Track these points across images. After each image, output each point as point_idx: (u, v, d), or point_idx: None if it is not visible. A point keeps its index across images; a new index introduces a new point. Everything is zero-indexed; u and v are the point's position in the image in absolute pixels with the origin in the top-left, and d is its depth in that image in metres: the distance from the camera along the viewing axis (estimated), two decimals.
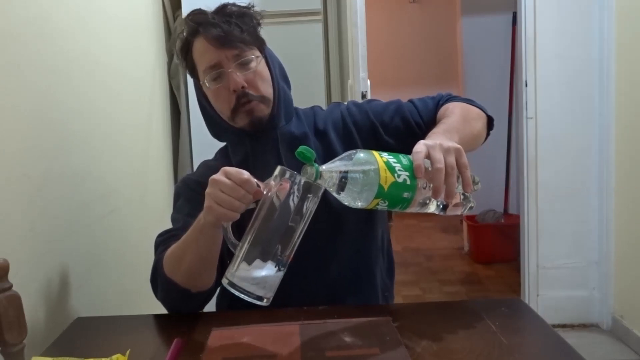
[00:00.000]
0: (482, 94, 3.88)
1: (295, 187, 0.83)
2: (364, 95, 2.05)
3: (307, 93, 2.19)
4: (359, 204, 0.84)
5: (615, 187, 2.55)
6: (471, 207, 0.93)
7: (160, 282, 1.04)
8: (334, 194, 0.85)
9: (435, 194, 0.84)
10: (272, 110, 1.11)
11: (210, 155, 1.25)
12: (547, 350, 0.87)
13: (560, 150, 2.65)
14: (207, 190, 0.89)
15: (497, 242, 3.62)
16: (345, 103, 1.23)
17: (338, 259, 1.13)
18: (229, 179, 0.87)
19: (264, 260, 0.84)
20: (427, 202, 0.88)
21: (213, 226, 0.92)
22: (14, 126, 1.03)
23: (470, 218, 3.81)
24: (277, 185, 0.83)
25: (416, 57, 4.55)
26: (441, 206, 0.89)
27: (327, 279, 1.12)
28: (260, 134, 1.12)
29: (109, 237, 1.48)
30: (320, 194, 0.84)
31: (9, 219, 0.99)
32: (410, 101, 1.19)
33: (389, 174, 0.83)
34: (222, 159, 1.20)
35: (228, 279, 0.84)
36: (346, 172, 0.83)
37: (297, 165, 0.84)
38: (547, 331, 0.92)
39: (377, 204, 0.84)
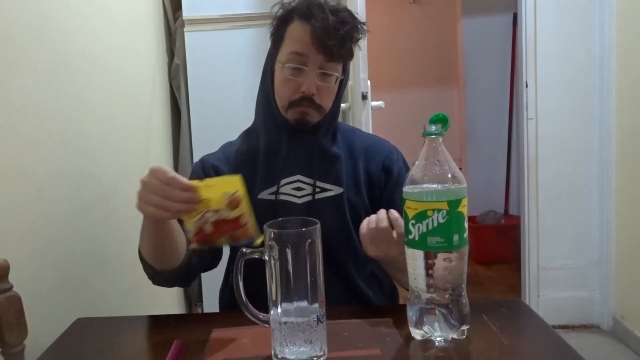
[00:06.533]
0: (482, 94, 3.89)
1: (291, 243, 0.78)
2: (364, 96, 2.05)
3: None
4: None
5: (615, 187, 2.55)
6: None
7: (143, 264, 1.07)
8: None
9: None
10: (321, 120, 1.14)
11: None
12: (548, 351, 0.87)
13: (561, 151, 2.65)
14: (138, 191, 0.89)
15: (497, 242, 3.62)
16: (399, 155, 1.24)
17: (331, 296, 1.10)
18: (157, 178, 0.87)
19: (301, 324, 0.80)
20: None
21: (153, 223, 0.95)
22: (14, 126, 1.03)
23: (470, 219, 3.81)
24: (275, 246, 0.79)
25: (417, 58, 4.55)
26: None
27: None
28: (300, 134, 1.13)
29: (109, 237, 1.48)
30: (318, 235, 0.80)
31: (9, 219, 0.99)
32: None
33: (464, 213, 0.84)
34: (244, 141, 1.21)
35: (279, 357, 0.81)
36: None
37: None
38: (547, 332, 0.92)
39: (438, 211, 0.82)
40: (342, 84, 1.15)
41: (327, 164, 1.15)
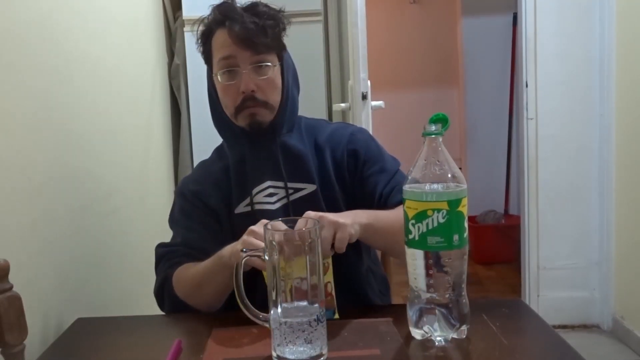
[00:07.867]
0: (482, 94, 3.89)
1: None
2: (364, 96, 2.05)
3: (308, 94, 2.18)
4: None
5: (615, 187, 2.55)
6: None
7: (170, 301, 1.07)
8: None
9: None
10: (275, 117, 1.12)
11: None
12: (548, 351, 0.87)
13: (561, 151, 2.64)
14: (243, 238, 0.92)
15: (497, 242, 3.62)
16: (363, 134, 1.21)
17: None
18: None
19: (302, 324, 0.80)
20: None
21: (231, 271, 0.94)
22: (14, 126, 1.03)
23: (470, 219, 3.80)
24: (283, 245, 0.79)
25: (417, 58, 4.55)
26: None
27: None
28: (259, 138, 1.13)
29: (109, 237, 1.48)
30: (318, 235, 0.81)
31: (9, 219, 0.99)
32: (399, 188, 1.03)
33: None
34: (218, 159, 1.20)
35: (279, 357, 0.81)
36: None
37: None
38: (547, 332, 0.92)
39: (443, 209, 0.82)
40: (284, 74, 1.13)
41: (294, 162, 1.13)
